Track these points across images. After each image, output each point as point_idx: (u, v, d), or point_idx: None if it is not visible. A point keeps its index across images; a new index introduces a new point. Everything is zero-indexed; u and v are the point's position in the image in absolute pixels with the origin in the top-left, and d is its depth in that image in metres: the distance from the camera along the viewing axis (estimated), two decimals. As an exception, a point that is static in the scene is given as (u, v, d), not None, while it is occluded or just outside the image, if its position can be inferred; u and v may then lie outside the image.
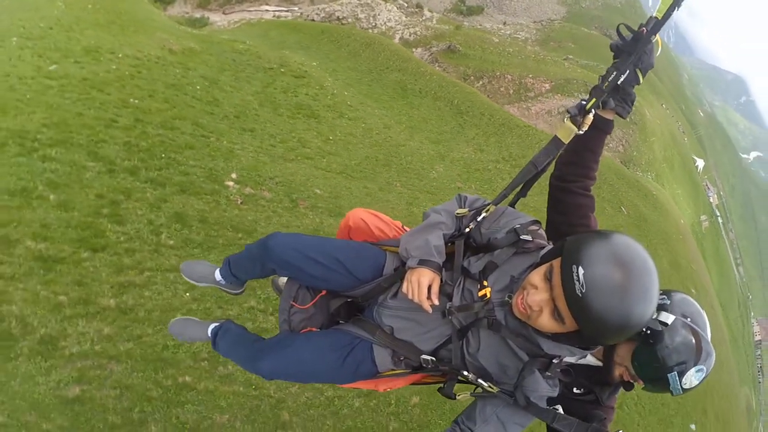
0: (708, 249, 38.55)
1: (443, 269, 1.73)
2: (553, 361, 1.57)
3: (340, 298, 1.98)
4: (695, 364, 1.56)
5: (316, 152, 9.64)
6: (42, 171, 5.98)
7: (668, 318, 1.56)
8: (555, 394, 1.64)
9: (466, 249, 1.80)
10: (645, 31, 1.53)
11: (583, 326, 1.33)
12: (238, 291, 2.42)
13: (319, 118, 11.20)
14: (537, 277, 1.45)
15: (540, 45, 53.38)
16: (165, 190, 6.45)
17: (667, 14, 1.50)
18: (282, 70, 13.62)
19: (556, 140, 1.68)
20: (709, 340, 1.62)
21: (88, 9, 11.80)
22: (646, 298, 1.28)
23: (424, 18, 41.33)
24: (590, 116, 1.62)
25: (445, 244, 1.76)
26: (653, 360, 1.58)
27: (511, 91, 29.50)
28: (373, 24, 38.18)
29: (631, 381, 1.73)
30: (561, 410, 1.65)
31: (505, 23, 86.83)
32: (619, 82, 1.60)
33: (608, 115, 1.72)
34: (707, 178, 56.86)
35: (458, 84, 19.05)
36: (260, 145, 8.49)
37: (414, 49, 31.68)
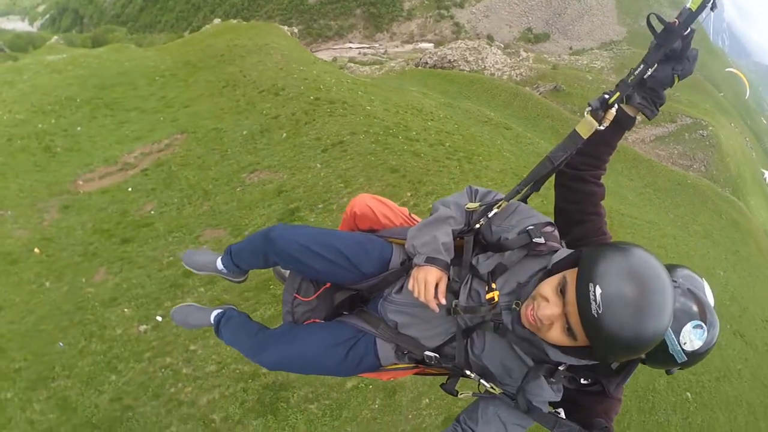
0: (781, 251, 44.00)
1: (451, 266, 1.70)
2: (559, 368, 1.56)
3: (345, 291, 1.97)
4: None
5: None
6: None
7: None
8: (558, 399, 1.62)
9: (475, 245, 1.76)
10: (677, 23, 1.44)
11: (595, 345, 1.32)
12: (240, 279, 2.43)
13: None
14: (549, 289, 1.42)
15: (616, 72, 59.95)
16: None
17: (702, 6, 1.41)
18: (493, 123, 20.83)
19: (574, 134, 1.61)
20: (713, 306, 1.55)
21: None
22: (661, 316, 1.26)
23: (521, 58, 49.10)
24: (612, 111, 1.56)
25: (454, 239, 1.73)
26: None
27: (610, 124, 36.91)
28: (482, 66, 45.79)
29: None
30: (563, 414, 1.64)
31: (571, 48, 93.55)
32: (645, 76, 1.52)
33: (631, 112, 1.64)
34: (776, 188, 61.50)
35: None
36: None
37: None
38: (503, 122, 21.19)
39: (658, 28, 1.46)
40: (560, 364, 1.55)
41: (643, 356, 1.52)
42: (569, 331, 1.36)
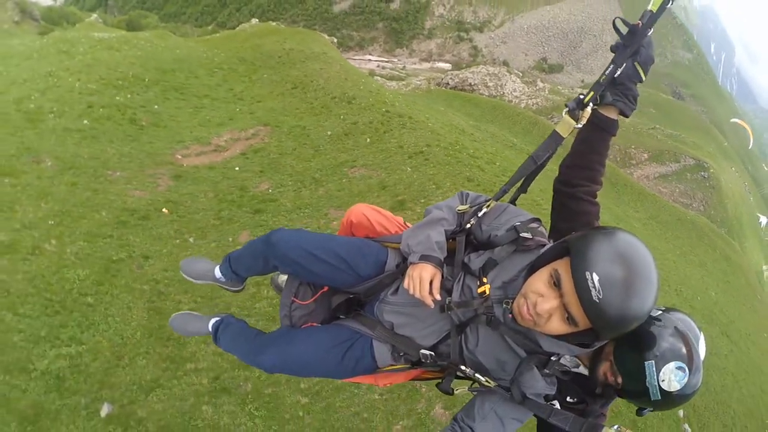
0: (768, 294, 46.12)
1: (444, 264, 1.77)
2: (551, 358, 1.62)
3: (342, 294, 2.04)
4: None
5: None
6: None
7: (655, 312, 1.59)
8: (552, 392, 1.68)
9: (466, 245, 1.85)
10: (641, 24, 1.56)
11: (599, 326, 1.40)
12: (238, 288, 2.49)
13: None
14: (540, 284, 1.50)
15: (625, 110, 62.32)
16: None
17: (662, 8, 1.53)
18: (517, 148, 22.66)
19: (555, 134, 1.72)
20: (702, 359, 1.56)
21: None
22: (653, 287, 1.38)
23: (537, 88, 51.49)
24: (588, 110, 1.67)
25: (447, 240, 1.82)
26: (633, 347, 1.55)
27: (618, 159, 39.08)
28: (501, 92, 48.04)
29: (612, 383, 1.66)
30: (558, 406, 1.70)
31: (583, 81, 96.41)
32: (616, 76, 1.63)
33: (612, 114, 1.74)
34: (770, 234, 63.85)
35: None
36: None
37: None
38: (526, 149, 23.20)
39: (624, 30, 1.58)
40: (552, 354, 1.61)
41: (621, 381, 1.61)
42: (570, 319, 1.44)
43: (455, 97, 36.44)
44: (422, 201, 9.25)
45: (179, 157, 11.15)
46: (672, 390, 1.50)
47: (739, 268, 23.42)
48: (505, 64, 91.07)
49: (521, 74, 56.14)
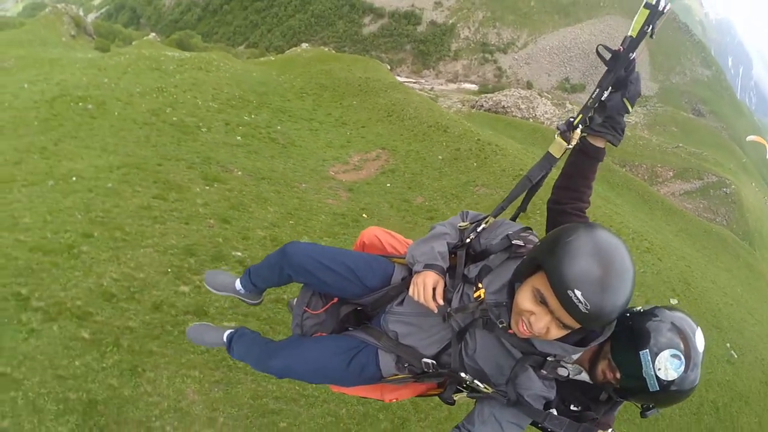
0: (789, 304, 48.35)
1: (447, 274, 1.90)
2: (548, 359, 1.69)
3: (350, 305, 2.19)
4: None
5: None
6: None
7: (653, 309, 1.66)
8: (551, 396, 1.74)
9: (466, 259, 1.97)
10: (622, 49, 1.64)
11: (591, 326, 1.53)
12: (257, 301, 2.62)
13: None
14: (528, 302, 1.58)
15: (648, 129, 65.50)
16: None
17: (641, 33, 1.60)
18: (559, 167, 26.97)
19: (548, 155, 1.85)
20: (700, 354, 1.58)
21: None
22: (629, 271, 1.46)
23: (567, 110, 55.24)
24: (578, 131, 1.77)
25: (449, 254, 1.95)
26: (630, 341, 1.59)
27: (646, 177, 42.49)
28: (533, 114, 51.75)
29: (611, 379, 1.72)
30: (555, 413, 1.74)
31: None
32: (603, 98, 1.72)
33: (599, 143, 1.86)
34: (788, 247, 66.12)
35: (635, 179, 32.83)
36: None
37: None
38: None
39: (607, 56, 1.68)
40: (548, 355, 1.70)
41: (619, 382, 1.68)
42: (563, 326, 1.54)
43: (497, 121, 40.07)
44: (538, 212, 12.14)
45: (332, 173, 12.56)
46: (669, 379, 1.53)
47: (761, 276, 26.72)
48: (529, 85, 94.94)
49: (550, 96, 59.78)
